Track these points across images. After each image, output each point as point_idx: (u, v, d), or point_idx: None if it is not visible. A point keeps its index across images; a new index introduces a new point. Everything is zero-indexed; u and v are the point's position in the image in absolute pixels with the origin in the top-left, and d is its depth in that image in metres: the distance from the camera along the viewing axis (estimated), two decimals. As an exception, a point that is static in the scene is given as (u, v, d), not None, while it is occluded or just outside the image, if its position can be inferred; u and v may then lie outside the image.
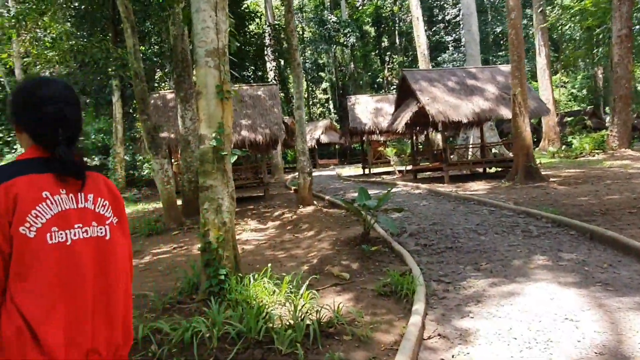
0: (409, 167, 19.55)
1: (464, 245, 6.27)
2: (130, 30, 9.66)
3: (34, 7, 10.21)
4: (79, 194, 1.40)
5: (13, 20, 10.34)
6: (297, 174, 11.69)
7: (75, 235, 1.35)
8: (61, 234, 1.32)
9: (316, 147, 33.68)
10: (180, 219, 10.31)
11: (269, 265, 4.95)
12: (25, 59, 15.82)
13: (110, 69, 8.55)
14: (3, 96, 24.23)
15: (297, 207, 11.23)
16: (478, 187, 12.55)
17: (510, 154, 17.76)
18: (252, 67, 25.33)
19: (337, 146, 40.41)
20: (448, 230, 7.23)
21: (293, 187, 16.89)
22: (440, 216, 8.46)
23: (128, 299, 1.51)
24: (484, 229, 7.06)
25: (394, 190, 13.73)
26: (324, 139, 34.19)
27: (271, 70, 23.99)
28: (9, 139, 25.02)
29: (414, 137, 17.47)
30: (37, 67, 12.33)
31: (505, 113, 13.56)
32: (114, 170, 17.56)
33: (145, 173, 22.61)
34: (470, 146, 17.52)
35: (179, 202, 11.38)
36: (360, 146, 29.99)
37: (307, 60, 42.74)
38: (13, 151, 23.89)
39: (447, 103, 13.36)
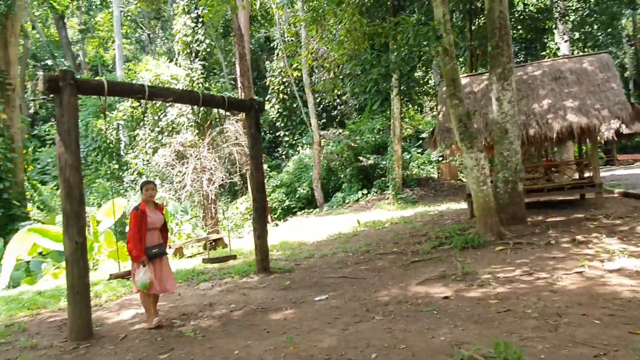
0: None
1: None
2: (439, -2, 7.86)
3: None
4: None
5: (314, 14, 9.87)
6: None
7: None
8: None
9: (614, 138, 26.67)
10: (498, 229, 8.01)
11: None
12: (314, 62, 16.05)
13: (424, 44, 6.93)
14: (289, 103, 26.82)
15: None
16: None
17: None
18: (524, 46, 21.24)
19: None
20: None
21: (618, 190, 12.71)
22: None
23: None
24: None
25: None
26: (626, 128, 26.87)
27: (565, 41, 19.51)
28: (293, 142, 27.63)
29: None
30: (325, 66, 11.84)
31: None
32: (391, 169, 16.63)
33: (414, 172, 21.36)
34: None
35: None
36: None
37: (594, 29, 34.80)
38: (296, 152, 26.13)
39: None
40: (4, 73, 18.15)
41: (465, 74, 12.42)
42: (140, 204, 5.30)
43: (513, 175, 8.54)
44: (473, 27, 15.56)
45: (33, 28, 33.38)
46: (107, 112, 21.37)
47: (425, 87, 19.48)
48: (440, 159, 22.39)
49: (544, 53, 22.03)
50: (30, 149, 25.39)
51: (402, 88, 13.49)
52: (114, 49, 32.68)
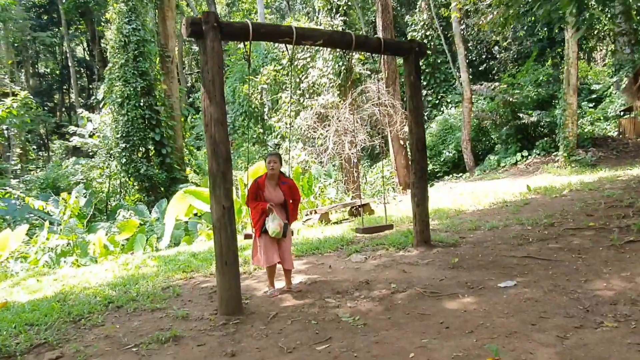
0: None
1: None
2: None
3: None
4: None
5: None
6: None
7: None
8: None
9: None
10: None
11: None
12: (465, 6, 14.04)
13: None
14: (432, 59, 24.65)
15: None
16: None
17: None
18: None
19: None
20: None
21: None
22: None
23: None
24: None
25: None
26: None
27: None
28: (436, 102, 25.52)
29: None
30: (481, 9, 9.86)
31: None
32: (563, 126, 13.90)
33: (587, 130, 17.91)
34: None
35: None
36: None
37: None
38: (440, 113, 24.06)
39: None
40: (163, 46, 19.48)
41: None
42: (262, 175, 5.07)
43: None
44: None
45: (187, 5, 35.92)
46: (251, 77, 21.87)
47: (608, 25, 15.82)
48: (622, 113, 18.44)
49: None
50: (188, 117, 27.57)
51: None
52: (256, 19, 33.63)
